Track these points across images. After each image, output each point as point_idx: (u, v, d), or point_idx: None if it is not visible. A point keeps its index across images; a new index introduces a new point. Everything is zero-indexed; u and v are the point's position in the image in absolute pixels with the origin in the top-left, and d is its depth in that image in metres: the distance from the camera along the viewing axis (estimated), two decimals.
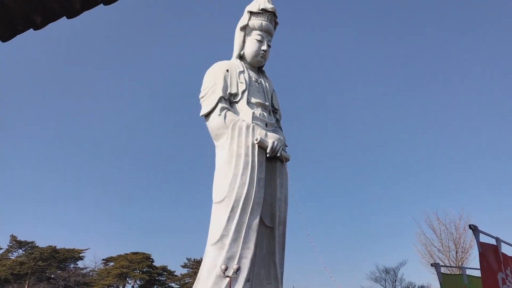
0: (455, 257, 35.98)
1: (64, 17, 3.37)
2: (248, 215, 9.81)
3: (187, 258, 50.46)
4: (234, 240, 9.59)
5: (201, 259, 10.27)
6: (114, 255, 52.39)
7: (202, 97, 11.17)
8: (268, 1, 12.01)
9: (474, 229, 5.98)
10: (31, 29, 3.49)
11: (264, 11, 11.85)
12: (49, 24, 3.46)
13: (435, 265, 8.23)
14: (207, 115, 10.91)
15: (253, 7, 11.94)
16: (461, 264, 34.33)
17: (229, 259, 9.44)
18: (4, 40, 3.66)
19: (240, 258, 9.50)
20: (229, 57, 12.18)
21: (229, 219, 9.73)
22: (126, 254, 51.96)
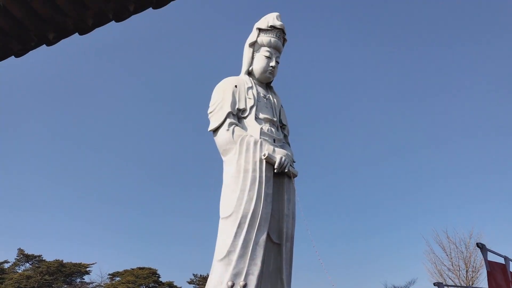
0: (465, 276, 35.30)
1: (76, 33, 3.44)
2: (256, 231, 9.74)
3: (193, 274, 50.18)
4: (241, 256, 9.51)
5: (208, 275, 10.19)
6: (120, 270, 52.26)
7: (210, 112, 11.23)
8: (277, 18, 12.13)
9: (481, 247, 5.91)
10: (44, 45, 3.57)
11: (273, 28, 11.96)
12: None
13: (438, 285, 8.07)
14: (215, 130, 10.95)
15: (262, 24, 12.07)
16: (472, 284, 33.66)
17: (235, 275, 9.35)
18: (17, 56, 3.74)
19: (247, 274, 9.41)
20: (237, 73, 12.28)
21: (236, 235, 9.66)
22: (132, 269, 51.77)
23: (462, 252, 36.05)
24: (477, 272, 34.99)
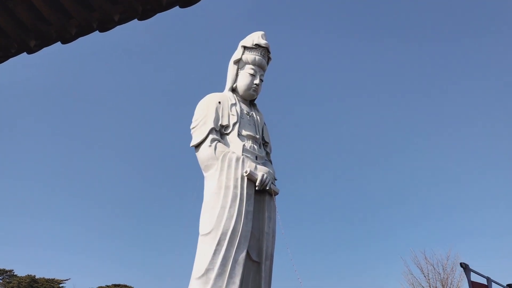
0: None
1: (59, 42, 3.38)
2: (235, 249, 9.62)
3: None
4: (220, 274, 9.35)
5: None
6: (94, 286, 50.83)
7: (193, 128, 11.17)
8: (262, 37, 12.26)
9: (465, 267, 5.90)
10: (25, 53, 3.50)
11: (258, 46, 12.07)
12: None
13: None
14: (198, 145, 10.89)
15: (247, 42, 12.17)
16: None
17: None
18: None
19: None
20: (221, 89, 12.30)
21: (215, 253, 9.52)
22: (107, 286, 50.47)
23: (440, 274, 36.47)
24: None
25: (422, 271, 37.28)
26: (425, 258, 37.43)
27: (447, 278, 35.94)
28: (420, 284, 36.86)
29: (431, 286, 36.33)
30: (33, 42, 3.32)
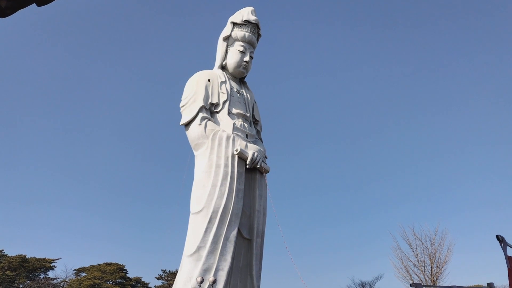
0: (430, 272, 36.41)
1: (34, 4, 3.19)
2: (226, 226, 9.68)
3: (162, 270, 49.53)
4: (211, 252, 9.42)
5: (177, 271, 10.04)
6: (86, 265, 51.03)
7: (182, 106, 11.06)
8: (252, 13, 12.05)
9: (501, 240, 5.66)
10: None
11: (247, 22, 11.89)
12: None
13: (415, 285, 8.08)
14: (187, 124, 10.80)
15: (237, 18, 11.97)
16: (436, 279, 34.73)
17: (205, 271, 9.25)
18: None
19: (217, 270, 9.32)
20: (211, 67, 12.13)
21: (207, 230, 9.57)
22: (99, 264, 50.75)
23: (428, 248, 37.14)
24: (441, 268, 36.10)
25: (410, 246, 37.98)
26: (414, 233, 38.11)
27: (435, 253, 36.68)
28: (409, 259, 37.60)
29: (419, 261, 37.10)
30: (4, 2, 3.12)
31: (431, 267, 36.65)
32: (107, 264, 50.12)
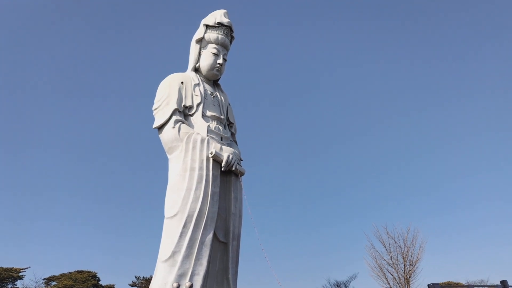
0: (403, 270, 37.10)
1: None
2: (202, 230, 9.55)
3: (136, 277, 48.68)
4: (187, 256, 9.28)
5: (151, 277, 9.84)
6: (56, 273, 49.69)
7: (155, 109, 10.87)
8: (225, 15, 12.00)
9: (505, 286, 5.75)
10: None
11: (220, 25, 11.82)
12: None
13: (433, 286, 8.09)
14: (160, 127, 10.63)
15: (209, 20, 11.88)
16: (409, 277, 35.44)
17: (180, 276, 9.11)
18: None
19: (193, 275, 9.19)
20: (183, 69, 12.01)
21: (182, 235, 9.42)
22: (70, 272, 49.49)
23: (401, 247, 38.00)
24: (414, 266, 37.03)
25: (384, 245, 38.72)
26: (387, 232, 38.88)
27: (407, 251, 37.52)
28: (382, 258, 38.33)
29: (392, 259, 37.84)
30: None
31: (404, 265, 37.40)
32: (78, 272, 48.92)
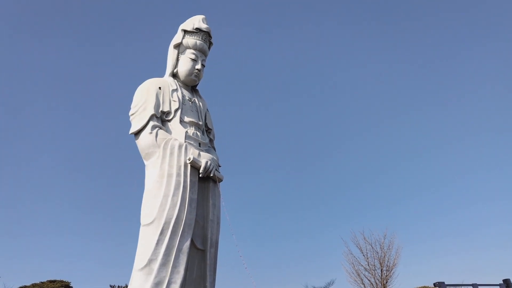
0: (380, 275, 37.53)
1: None
2: (179, 237, 9.41)
3: (110, 286, 47.62)
4: (163, 264, 9.11)
5: (126, 286, 9.64)
6: (28, 283, 48.13)
7: (132, 114, 10.72)
8: (203, 21, 11.98)
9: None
10: None
11: (198, 30, 11.78)
12: None
13: (439, 285, 8.12)
14: (137, 133, 10.48)
15: (187, 25, 11.84)
16: (386, 282, 35.88)
17: (157, 284, 8.94)
18: None
19: (169, 283, 9.04)
20: (160, 75, 11.91)
21: (158, 243, 9.25)
22: (42, 282, 47.97)
23: (377, 252, 38.46)
24: (391, 271, 37.51)
25: (361, 250, 39.13)
26: (364, 238, 39.32)
27: (384, 256, 38.01)
28: (360, 263, 38.71)
29: (369, 265, 38.24)
30: None
31: (381, 270, 37.84)
32: (50, 281, 47.51)
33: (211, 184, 10.77)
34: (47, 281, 47.51)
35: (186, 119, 11.10)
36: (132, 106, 10.88)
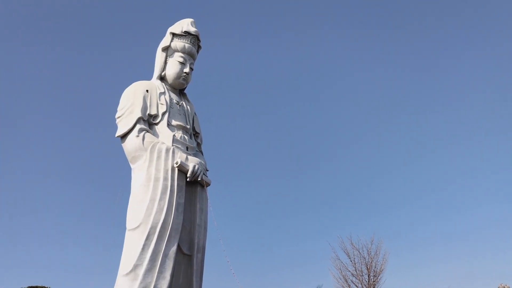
0: (367, 281, 37.61)
1: None
2: (165, 242, 9.27)
3: None
4: (149, 270, 8.96)
5: None
6: None
7: (118, 117, 10.57)
8: (192, 25, 11.90)
9: None
10: None
11: (187, 33, 11.70)
12: None
13: None
14: (124, 136, 10.33)
15: (176, 29, 11.75)
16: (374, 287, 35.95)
17: None
18: None
19: None
20: (148, 78, 11.78)
21: (144, 247, 9.10)
22: None
23: (365, 258, 38.60)
24: (378, 277, 37.66)
25: (348, 256, 39.22)
26: (351, 243, 39.44)
27: (371, 262, 38.15)
28: (347, 269, 38.80)
29: (357, 270, 38.34)
30: None
31: (368, 276, 37.94)
32: (31, 287, 46.75)
33: (198, 188, 10.65)
34: (28, 287, 46.77)
35: (174, 122, 10.99)
36: (118, 108, 10.73)
